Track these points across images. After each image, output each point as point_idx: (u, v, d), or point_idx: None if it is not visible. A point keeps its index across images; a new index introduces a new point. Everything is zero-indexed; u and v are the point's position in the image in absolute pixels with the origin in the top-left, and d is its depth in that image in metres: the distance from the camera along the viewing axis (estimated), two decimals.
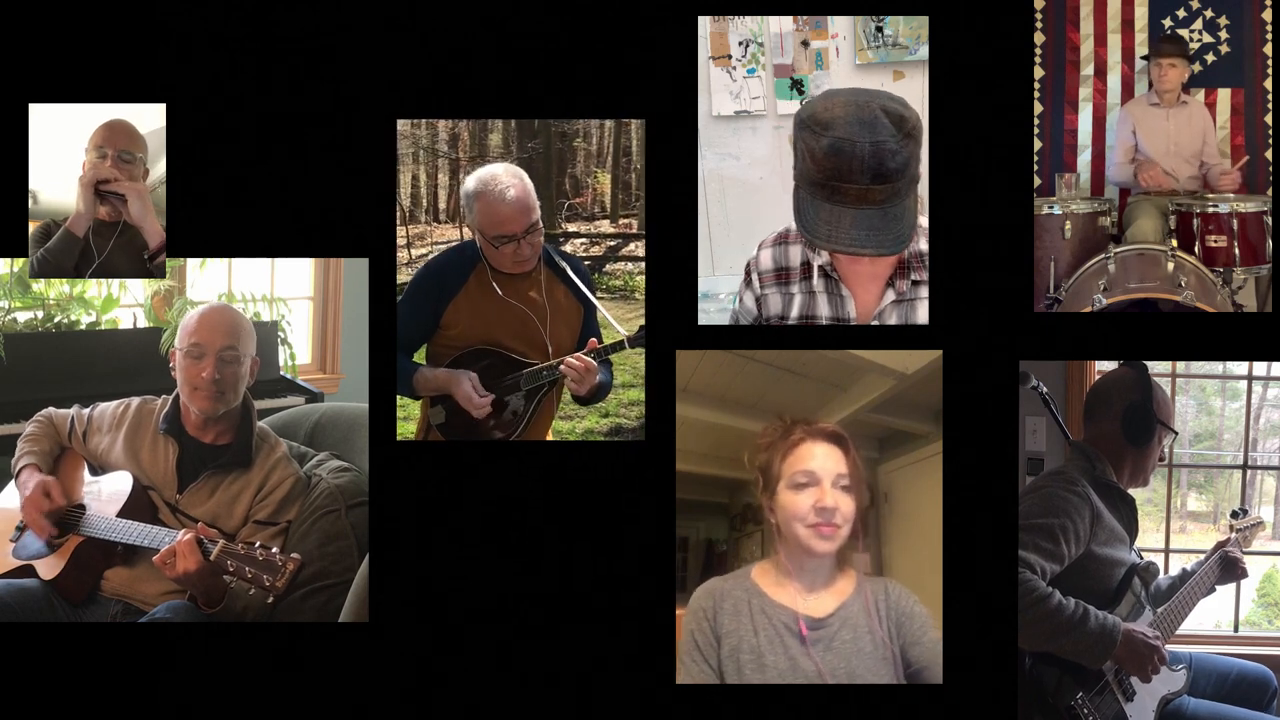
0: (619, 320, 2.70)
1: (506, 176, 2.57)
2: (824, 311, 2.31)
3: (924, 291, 2.29)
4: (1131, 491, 2.57)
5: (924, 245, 2.27)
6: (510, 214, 2.56)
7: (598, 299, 2.70)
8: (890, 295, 2.27)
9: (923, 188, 2.52)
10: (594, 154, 4.12)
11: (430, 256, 2.69)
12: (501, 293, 2.62)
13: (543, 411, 2.67)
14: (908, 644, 2.20)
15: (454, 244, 2.83)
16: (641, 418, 2.52)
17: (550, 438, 2.78)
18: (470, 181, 2.60)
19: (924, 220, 2.27)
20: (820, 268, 2.28)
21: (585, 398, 2.63)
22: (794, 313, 2.32)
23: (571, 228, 4.05)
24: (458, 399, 2.60)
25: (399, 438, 2.55)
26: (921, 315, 2.30)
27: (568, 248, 4.05)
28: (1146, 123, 3.44)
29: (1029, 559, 2.39)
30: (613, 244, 4.07)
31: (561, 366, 2.56)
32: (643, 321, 2.51)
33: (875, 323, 2.30)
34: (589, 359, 2.55)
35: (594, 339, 2.59)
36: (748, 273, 2.36)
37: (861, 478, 2.24)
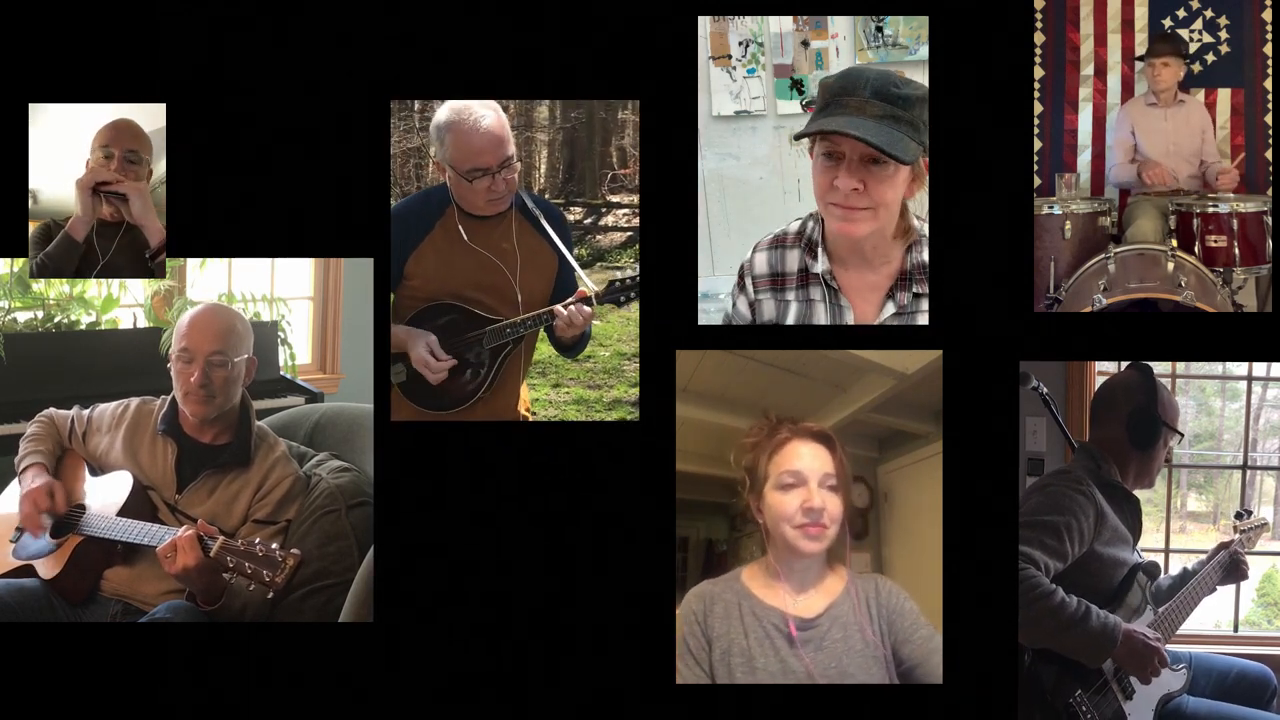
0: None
1: (481, 107, 2.47)
2: (820, 322, 2.26)
3: (925, 304, 2.24)
4: (1134, 492, 2.57)
5: (926, 256, 2.22)
6: (484, 145, 2.46)
7: (571, 251, 2.60)
8: (890, 308, 2.22)
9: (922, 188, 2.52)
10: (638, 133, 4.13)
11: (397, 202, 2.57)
12: (468, 238, 2.52)
13: (509, 372, 2.57)
14: (899, 641, 2.19)
15: (423, 189, 2.71)
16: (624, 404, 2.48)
17: (523, 410, 2.69)
18: (442, 112, 2.49)
19: (926, 228, 2.24)
20: (819, 275, 2.23)
21: (568, 345, 2.57)
22: (790, 321, 2.28)
23: (614, 198, 4.03)
24: (413, 362, 2.52)
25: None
26: None
27: (609, 219, 4.00)
28: (1145, 123, 3.43)
29: (1033, 555, 2.39)
30: None
31: (558, 308, 2.47)
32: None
33: None
34: (580, 306, 2.47)
35: (582, 288, 2.50)
36: (741, 276, 2.30)
37: (849, 477, 2.23)
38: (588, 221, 4.00)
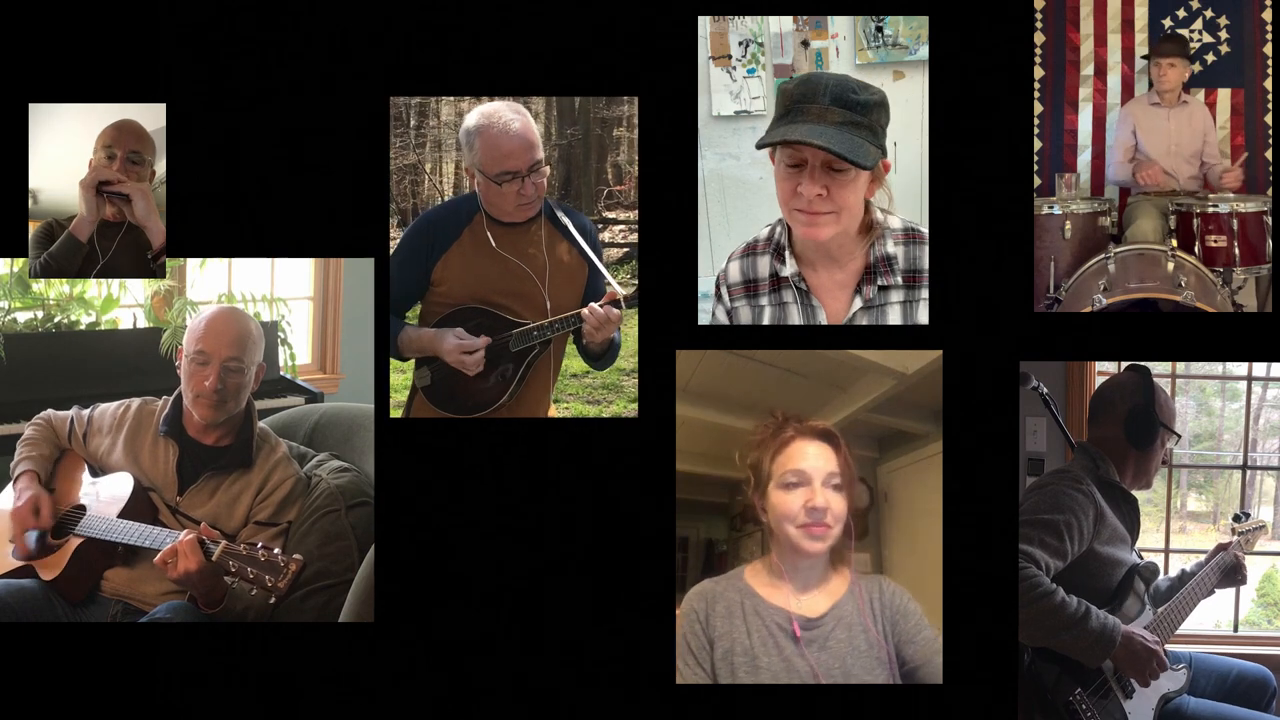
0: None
1: (509, 111, 2.48)
2: (795, 324, 2.29)
3: (894, 296, 2.26)
4: (1133, 492, 2.58)
5: (891, 248, 2.24)
6: (514, 148, 2.47)
7: (602, 260, 2.59)
8: (857, 302, 2.25)
9: (922, 188, 2.52)
10: (637, 142, 4.13)
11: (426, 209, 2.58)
12: (495, 244, 2.52)
13: (535, 378, 2.57)
14: (903, 641, 2.20)
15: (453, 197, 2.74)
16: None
17: (553, 413, 2.68)
18: (471, 118, 2.49)
19: (895, 221, 2.24)
20: (788, 279, 2.26)
21: (597, 353, 2.55)
22: (764, 325, 2.31)
23: (610, 214, 4.03)
24: (446, 356, 2.51)
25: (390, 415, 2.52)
26: (893, 321, 2.28)
27: (605, 235, 3.99)
28: (1147, 122, 3.44)
29: (1033, 554, 2.40)
30: None
31: (585, 311, 2.46)
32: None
33: None
34: (610, 307, 2.46)
35: (612, 289, 2.50)
36: (717, 286, 2.34)
37: (854, 476, 2.24)
38: None
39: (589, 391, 3.02)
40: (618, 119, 4.01)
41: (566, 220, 2.57)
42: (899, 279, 2.25)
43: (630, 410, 2.52)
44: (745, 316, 2.32)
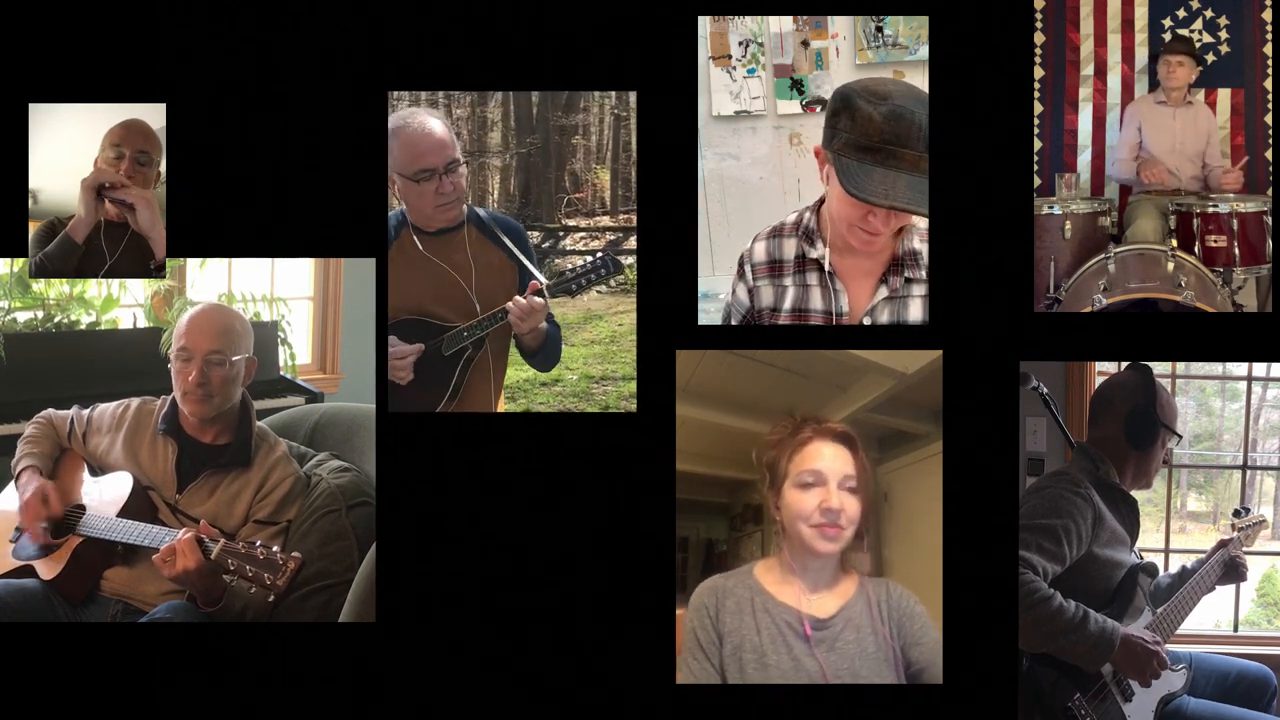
0: (612, 312, 2.66)
1: (424, 113, 2.55)
2: (817, 305, 2.31)
3: (917, 289, 2.30)
4: (1132, 493, 2.57)
5: (918, 244, 2.28)
6: (429, 146, 2.52)
7: (533, 260, 2.63)
8: (883, 291, 2.29)
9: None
10: (593, 150, 4.13)
11: None
12: (423, 248, 2.57)
13: (476, 382, 2.60)
14: (909, 644, 2.21)
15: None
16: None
17: (502, 408, 2.71)
18: (390, 122, 2.55)
19: (920, 221, 2.28)
20: (816, 261, 2.29)
21: (533, 349, 2.58)
22: (786, 305, 2.33)
23: (571, 222, 4.06)
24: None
25: None
26: (914, 312, 2.31)
27: (567, 242, 4.03)
28: (1152, 121, 3.44)
29: (1031, 559, 2.39)
30: (612, 238, 4.08)
31: (509, 304, 2.50)
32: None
33: (867, 320, 2.30)
34: (534, 298, 2.50)
35: (534, 280, 2.53)
36: (741, 265, 2.37)
37: (869, 478, 2.25)
38: (546, 245, 4.03)
39: (559, 400, 3.05)
40: (575, 127, 4.04)
41: (492, 224, 2.62)
42: (923, 273, 2.30)
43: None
44: (767, 296, 2.34)
